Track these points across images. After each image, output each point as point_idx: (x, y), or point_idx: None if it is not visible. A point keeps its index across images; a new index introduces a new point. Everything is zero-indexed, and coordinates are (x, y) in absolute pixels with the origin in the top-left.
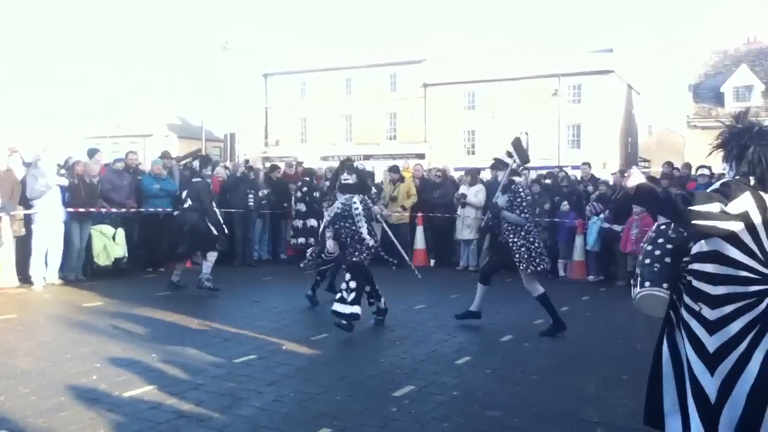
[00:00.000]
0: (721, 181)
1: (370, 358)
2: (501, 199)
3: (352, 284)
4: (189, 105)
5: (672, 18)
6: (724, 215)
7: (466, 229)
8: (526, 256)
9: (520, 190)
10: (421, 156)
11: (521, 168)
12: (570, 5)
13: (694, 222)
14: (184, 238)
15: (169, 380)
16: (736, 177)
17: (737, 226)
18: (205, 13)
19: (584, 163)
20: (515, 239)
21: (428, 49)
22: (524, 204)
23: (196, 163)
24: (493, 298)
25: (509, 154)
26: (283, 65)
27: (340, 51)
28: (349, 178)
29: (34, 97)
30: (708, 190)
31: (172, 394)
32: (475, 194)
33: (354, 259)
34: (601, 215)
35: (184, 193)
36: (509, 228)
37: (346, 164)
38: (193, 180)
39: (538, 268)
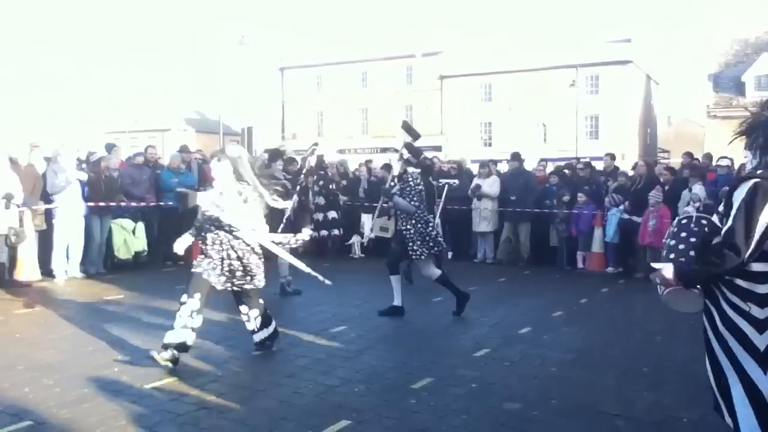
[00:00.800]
0: (743, 198)
1: (388, 351)
2: (396, 187)
3: (253, 313)
4: (206, 99)
5: (672, 18)
6: (766, 230)
7: (483, 222)
8: (419, 242)
9: (410, 179)
10: (438, 148)
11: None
12: (570, 5)
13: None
14: None
15: (189, 372)
16: (759, 171)
17: None
18: (217, 13)
19: (607, 154)
20: (407, 226)
21: (444, 42)
22: (413, 193)
23: (265, 156)
24: (511, 291)
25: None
26: (300, 59)
27: (356, 44)
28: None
29: (48, 96)
30: (734, 210)
31: (193, 386)
32: (491, 186)
33: (248, 286)
34: (621, 206)
35: None
36: (402, 216)
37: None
38: None
39: (433, 251)
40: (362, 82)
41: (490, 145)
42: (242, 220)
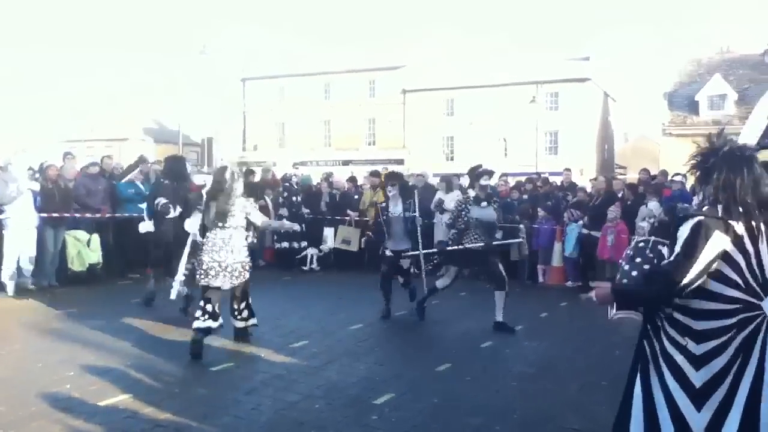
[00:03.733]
0: (689, 227)
1: (349, 366)
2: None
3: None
4: (165, 109)
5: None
6: (705, 267)
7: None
8: None
9: None
10: (400, 162)
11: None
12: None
13: (687, 292)
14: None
15: (144, 389)
16: (704, 209)
17: (718, 264)
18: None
19: (566, 169)
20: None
21: (408, 56)
22: None
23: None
24: (473, 305)
25: None
26: (262, 70)
27: (319, 56)
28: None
29: (4, 100)
30: (678, 247)
31: (148, 403)
32: (453, 200)
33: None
34: (579, 222)
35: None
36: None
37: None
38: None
39: None
40: (325, 94)
41: (452, 159)
42: None
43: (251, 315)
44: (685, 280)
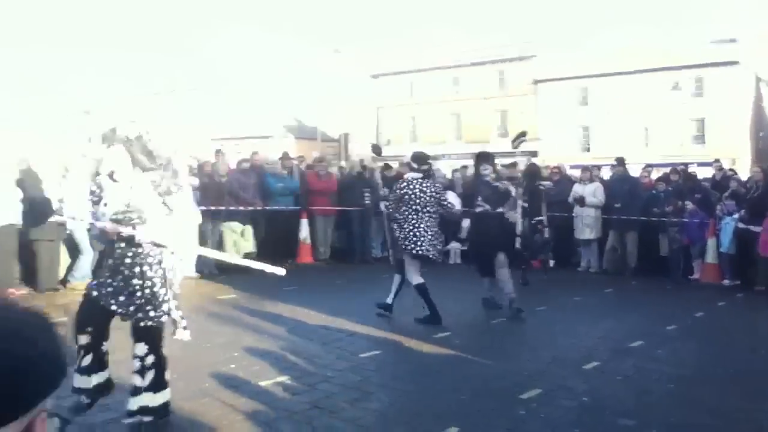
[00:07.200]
0: None
1: (494, 359)
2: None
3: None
4: (304, 107)
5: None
6: None
7: (586, 229)
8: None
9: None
10: (534, 154)
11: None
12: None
13: None
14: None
15: (300, 372)
16: None
17: None
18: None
19: (715, 160)
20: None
21: (537, 45)
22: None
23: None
24: (618, 302)
25: None
26: (392, 66)
27: (447, 50)
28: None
29: (163, 101)
30: None
31: (305, 385)
32: (593, 193)
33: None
34: (735, 215)
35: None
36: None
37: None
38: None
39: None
40: (454, 87)
41: (588, 150)
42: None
43: None
44: None
